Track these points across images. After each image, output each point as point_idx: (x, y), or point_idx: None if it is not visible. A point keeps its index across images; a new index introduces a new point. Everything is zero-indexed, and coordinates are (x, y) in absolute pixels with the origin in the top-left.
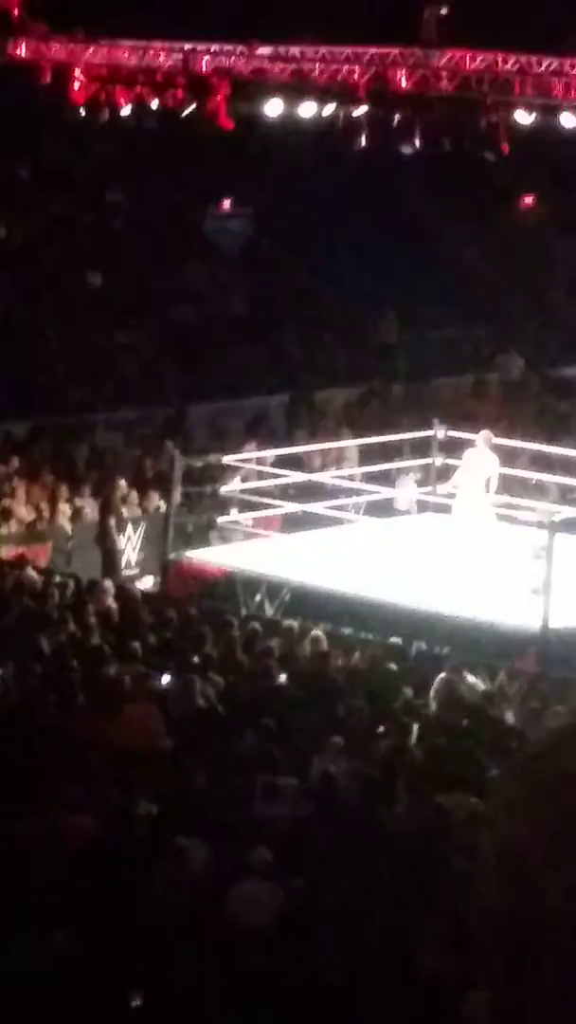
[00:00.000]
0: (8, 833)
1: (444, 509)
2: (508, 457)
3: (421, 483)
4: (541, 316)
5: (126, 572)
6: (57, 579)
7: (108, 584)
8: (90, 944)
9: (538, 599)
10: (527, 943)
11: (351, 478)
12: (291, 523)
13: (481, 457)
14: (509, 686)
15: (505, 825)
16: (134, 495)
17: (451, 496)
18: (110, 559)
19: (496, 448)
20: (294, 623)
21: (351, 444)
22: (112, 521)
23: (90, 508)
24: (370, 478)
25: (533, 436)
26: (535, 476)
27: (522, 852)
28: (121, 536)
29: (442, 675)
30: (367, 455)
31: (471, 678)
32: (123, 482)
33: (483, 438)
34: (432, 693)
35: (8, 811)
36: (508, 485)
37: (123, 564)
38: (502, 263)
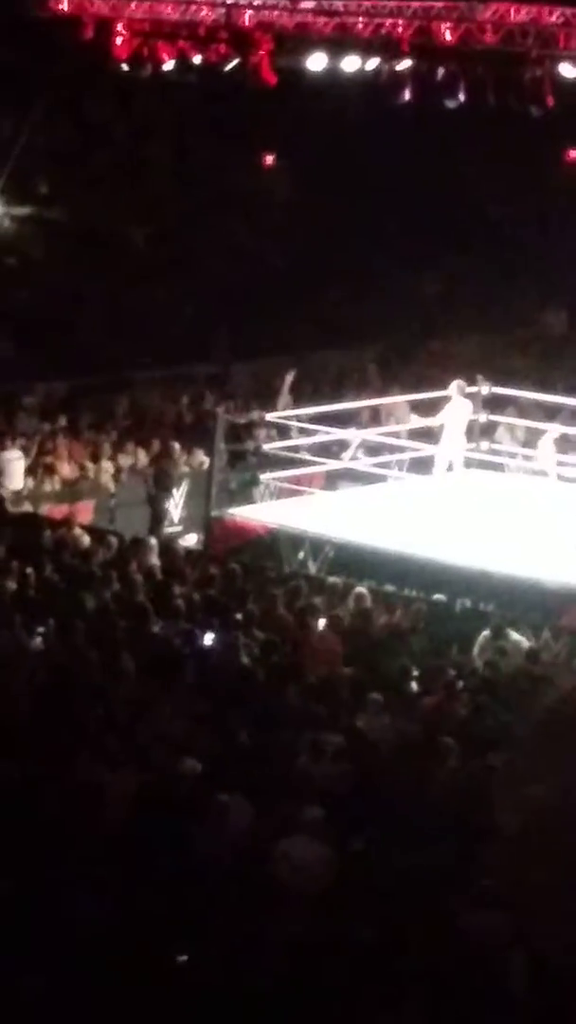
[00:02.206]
0: (55, 791)
1: (489, 466)
2: (550, 413)
3: (465, 440)
4: None
5: (170, 529)
6: (100, 537)
7: (152, 541)
8: (135, 902)
9: None
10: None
11: (397, 435)
12: (334, 480)
13: (456, 406)
14: (554, 643)
15: (524, 773)
16: (178, 452)
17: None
18: (157, 516)
19: (469, 396)
20: (338, 580)
21: (400, 400)
22: (160, 478)
23: (132, 465)
24: (415, 435)
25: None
26: None
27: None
28: (167, 493)
29: (486, 632)
30: (411, 412)
31: (515, 635)
32: (166, 440)
33: (456, 388)
34: (476, 650)
35: (55, 770)
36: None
37: (167, 521)
38: (546, 217)
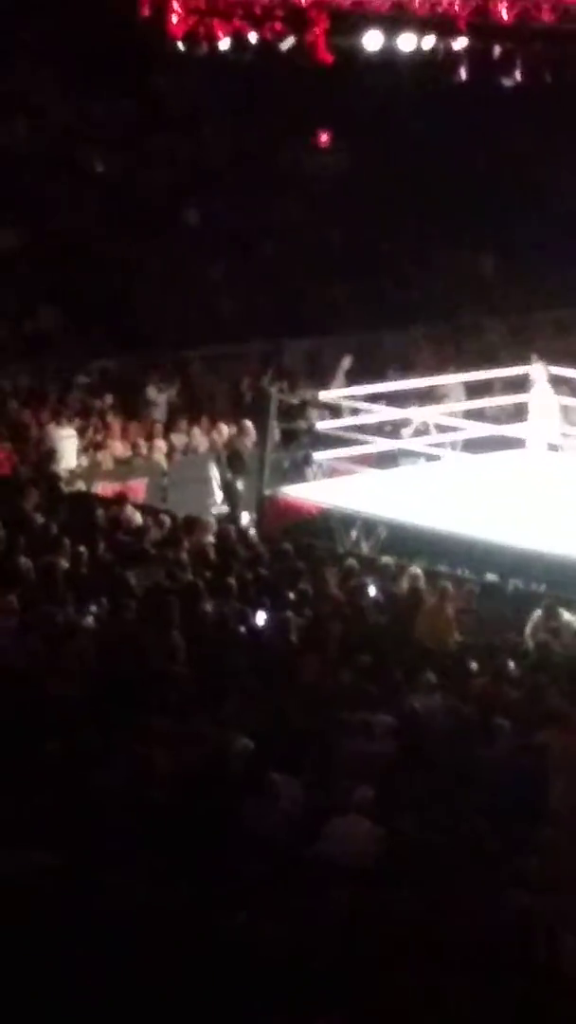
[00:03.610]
0: (108, 768)
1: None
2: None
3: (518, 419)
4: None
5: (223, 508)
6: (154, 516)
7: (210, 520)
8: (185, 879)
9: None
10: None
11: (452, 414)
12: (387, 460)
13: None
14: None
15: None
16: (229, 431)
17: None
18: (233, 500)
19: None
20: (390, 560)
21: (455, 380)
22: (233, 460)
23: (186, 445)
24: (469, 415)
25: None
26: None
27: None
28: (240, 476)
29: (538, 612)
30: (466, 392)
31: (567, 615)
32: (238, 419)
33: (538, 368)
34: (528, 630)
35: (108, 747)
36: None
37: (219, 500)
38: None
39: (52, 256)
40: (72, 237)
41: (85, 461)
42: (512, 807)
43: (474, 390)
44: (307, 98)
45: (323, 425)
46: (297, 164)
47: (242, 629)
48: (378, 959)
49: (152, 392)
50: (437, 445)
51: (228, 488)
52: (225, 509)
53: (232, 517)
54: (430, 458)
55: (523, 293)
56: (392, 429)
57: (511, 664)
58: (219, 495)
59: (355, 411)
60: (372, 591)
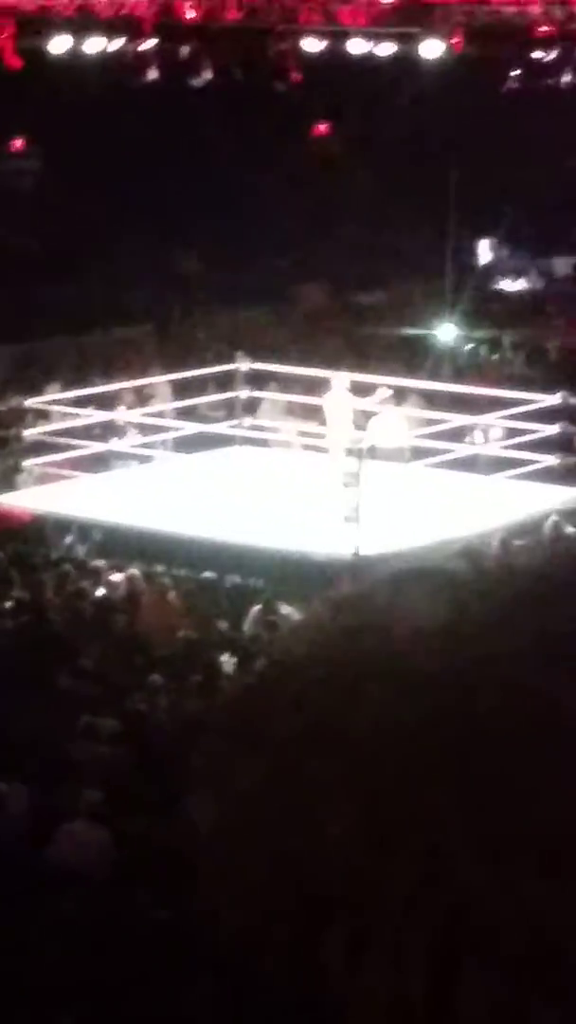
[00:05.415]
0: None
1: (252, 442)
2: (312, 387)
3: (228, 416)
4: (338, 244)
5: None
6: None
7: None
8: None
9: (349, 526)
10: None
11: (160, 414)
12: (99, 463)
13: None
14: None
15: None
16: None
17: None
18: None
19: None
20: (107, 564)
21: (161, 380)
22: None
23: None
24: (179, 414)
25: (339, 364)
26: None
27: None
28: None
29: (256, 607)
30: (173, 391)
31: (286, 608)
32: None
33: (337, 378)
34: (246, 626)
35: None
36: (312, 413)
37: None
38: (297, 193)
39: None
40: None
41: None
42: None
43: (182, 389)
44: None
45: (32, 432)
46: None
47: None
48: (113, 960)
49: None
50: (148, 446)
51: None
52: None
53: None
54: (142, 459)
55: (225, 291)
56: (102, 432)
57: (229, 658)
58: None
59: (64, 416)
60: (90, 595)
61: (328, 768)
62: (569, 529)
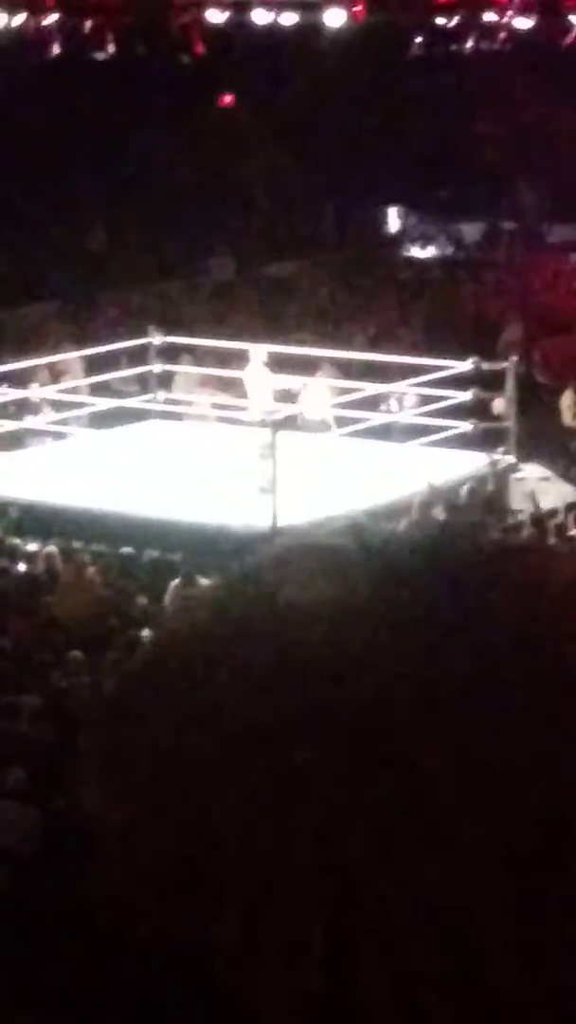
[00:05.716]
0: None
1: (168, 416)
2: (228, 359)
3: (142, 390)
4: (246, 216)
5: None
6: None
7: None
8: None
9: (266, 498)
10: None
11: (75, 390)
12: (14, 441)
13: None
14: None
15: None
16: None
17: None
18: None
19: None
20: (24, 541)
21: (72, 356)
22: None
23: None
24: (93, 389)
25: (251, 336)
26: (256, 375)
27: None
28: None
29: (175, 581)
30: (87, 367)
31: (205, 582)
32: None
33: (255, 352)
34: (167, 599)
35: None
36: (228, 385)
37: None
38: (203, 164)
39: None
40: None
41: None
42: None
43: (95, 364)
44: None
45: None
46: None
47: None
48: (45, 941)
49: None
50: (63, 422)
51: None
52: None
53: None
54: (57, 436)
55: (136, 266)
56: (16, 410)
57: (149, 633)
58: None
59: None
60: (9, 573)
61: (209, 747)
62: (484, 492)
